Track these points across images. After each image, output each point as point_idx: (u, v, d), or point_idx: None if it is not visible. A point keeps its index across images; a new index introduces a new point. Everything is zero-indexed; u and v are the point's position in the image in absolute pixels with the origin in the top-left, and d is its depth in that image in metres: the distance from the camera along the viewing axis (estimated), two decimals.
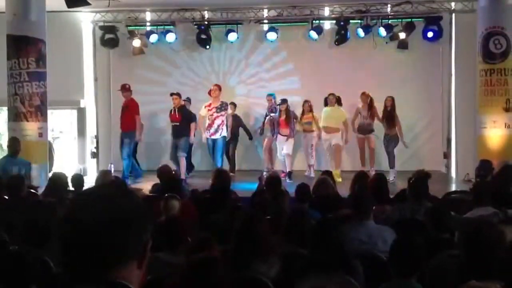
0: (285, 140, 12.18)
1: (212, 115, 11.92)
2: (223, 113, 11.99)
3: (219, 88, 12.14)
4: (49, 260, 4.27)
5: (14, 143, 9.46)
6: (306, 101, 12.48)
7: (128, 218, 1.61)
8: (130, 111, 12.13)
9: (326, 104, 12.40)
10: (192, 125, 12.03)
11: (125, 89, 12.27)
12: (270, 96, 12.58)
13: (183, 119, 11.94)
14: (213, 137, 11.96)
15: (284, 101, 12.20)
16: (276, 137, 12.31)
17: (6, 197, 6.76)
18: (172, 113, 12.11)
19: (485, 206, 5.58)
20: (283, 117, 12.18)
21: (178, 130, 11.99)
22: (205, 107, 12.04)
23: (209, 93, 12.13)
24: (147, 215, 1.69)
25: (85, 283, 1.57)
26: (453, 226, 4.99)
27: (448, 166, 13.29)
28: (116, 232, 1.57)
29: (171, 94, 12.21)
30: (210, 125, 11.95)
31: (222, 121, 11.99)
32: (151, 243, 1.67)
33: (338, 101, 12.38)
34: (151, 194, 7.77)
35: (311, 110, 12.40)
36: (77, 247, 1.58)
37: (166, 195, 5.99)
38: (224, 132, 12.04)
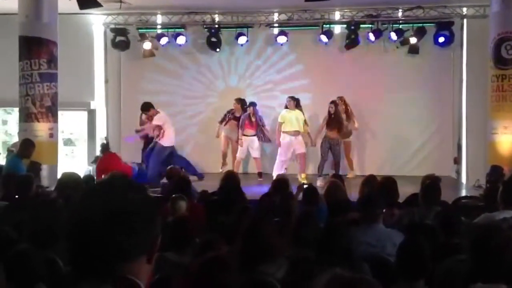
0: (252, 141, 12.50)
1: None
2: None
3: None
4: (57, 259, 4.27)
5: (28, 146, 9.43)
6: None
7: (138, 212, 1.60)
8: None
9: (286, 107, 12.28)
10: None
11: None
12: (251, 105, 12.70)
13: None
14: None
15: (251, 104, 12.53)
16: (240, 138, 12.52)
17: (16, 196, 6.78)
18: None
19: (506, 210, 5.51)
20: (251, 119, 12.43)
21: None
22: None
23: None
24: (156, 209, 1.69)
25: (93, 278, 1.57)
26: (463, 231, 4.96)
27: (458, 172, 13.22)
28: (126, 226, 1.57)
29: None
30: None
31: None
32: (160, 237, 1.66)
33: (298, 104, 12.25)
34: (160, 195, 7.78)
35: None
36: (86, 241, 1.57)
37: (173, 195, 6.00)
38: None
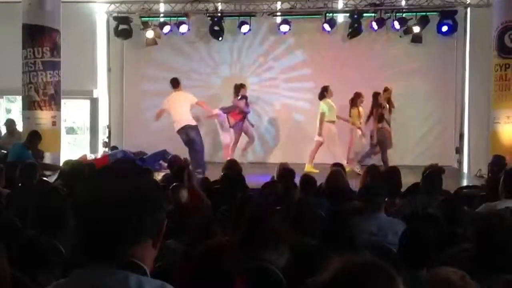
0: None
1: None
2: None
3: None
4: (61, 246, 4.29)
5: (34, 138, 9.49)
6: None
7: (144, 196, 1.62)
8: None
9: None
10: None
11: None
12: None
13: None
14: None
15: (245, 97, 12.30)
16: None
17: (20, 184, 6.81)
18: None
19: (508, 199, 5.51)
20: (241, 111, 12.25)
21: None
22: None
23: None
24: (162, 193, 1.70)
25: (100, 261, 1.58)
26: (465, 220, 4.97)
27: (460, 162, 13.22)
28: (133, 209, 1.58)
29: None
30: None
31: None
32: (166, 222, 1.68)
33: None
34: (161, 184, 7.79)
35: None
36: (93, 224, 1.59)
37: (174, 184, 6.01)
38: None
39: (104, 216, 1.57)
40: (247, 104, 12.29)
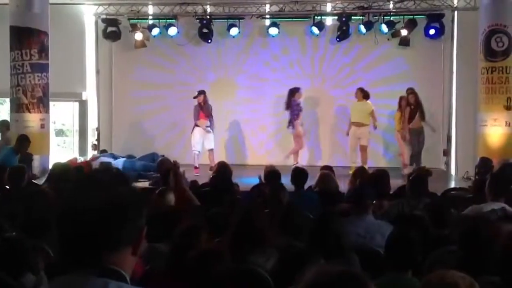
0: (205, 133, 12.16)
1: None
2: None
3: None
4: (48, 249, 4.29)
5: (23, 142, 9.47)
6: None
7: (123, 204, 1.63)
8: None
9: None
10: None
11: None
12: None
13: None
14: None
15: (200, 92, 12.15)
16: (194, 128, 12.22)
17: (7, 187, 6.80)
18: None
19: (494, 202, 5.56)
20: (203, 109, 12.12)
21: None
22: None
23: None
24: (142, 201, 1.71)
25: (80, 268, 1.60)
26: (452, 223, 5.01)
27: (447, 164, 13.29)
28: (111, 218, 1.60)
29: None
30: None
31: None
32: (146, 229, 1.69)
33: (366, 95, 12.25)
34: (149, 187, 7.81)
35: None
36: (73, 232, 1.60)
37: (160, 188, 6.02)
38: None
39: (83, 224, 1.59)
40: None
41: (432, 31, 12.89)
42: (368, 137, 12.20)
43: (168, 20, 13.58)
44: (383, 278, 3.77)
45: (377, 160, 12.77)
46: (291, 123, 12.33)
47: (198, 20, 13.54)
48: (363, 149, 12.14)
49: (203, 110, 12.13)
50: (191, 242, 3.77)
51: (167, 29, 13.45)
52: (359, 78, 13.11)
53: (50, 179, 7.45)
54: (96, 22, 14.03)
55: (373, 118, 12.17)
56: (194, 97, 12.17)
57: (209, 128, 12.21)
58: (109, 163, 11.28)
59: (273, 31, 13.32)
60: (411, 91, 11.99)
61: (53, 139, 13.01)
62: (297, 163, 11.90)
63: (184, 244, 3.75)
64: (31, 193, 6.00)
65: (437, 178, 10.81)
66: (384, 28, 12.92)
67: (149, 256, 3.95)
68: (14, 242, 3.73)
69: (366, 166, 11.40)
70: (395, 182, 7.94)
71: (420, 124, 11.93)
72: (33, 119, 10.71)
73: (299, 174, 7.24)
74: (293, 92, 12.30)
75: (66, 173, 7.24)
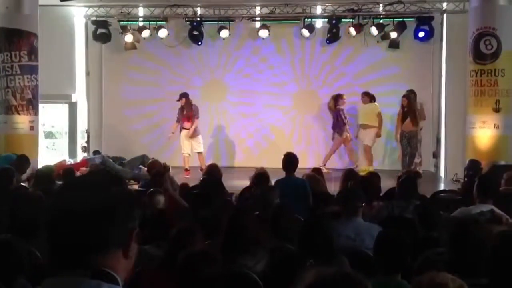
0: (191, 137, 12.09)
1: None
2: None
3: None
4: (36, 251, 4.27)
5: (25, 163, 8.96)
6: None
7: (114, 206, 1.62)
8: None
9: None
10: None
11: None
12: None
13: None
14: None
15: (182, 95, 12.14)
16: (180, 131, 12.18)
17: None
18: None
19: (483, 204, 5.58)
20: (185, 112, 12.09)
21: None
22: None
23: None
24: (134, 203, 1.70)
25: (69, 270, 1.59)
26: (441, 225, 5.03)
27: (437, 166, 13.34)
28: (101, 220, 1.59)
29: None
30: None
31: None
32: (137, 231, 1.68)
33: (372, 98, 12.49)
34: (139, 189, 7.79)
35: None
36: (62, 234, 1.59)
37: (151, 190, 6.01)
38: None
39: (72, 226, 1.57)
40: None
41: (421, 34, 12.94)
42: (373, 138, 12.36)
43: (159, 22, 13.56)
44: (373, 281, 3.77)
45: (379, 162, 12.92)
46: (337, 128, 12.46)
47: (188, 22, 13.53)
48: (366, 149, 12.35)
49: (185, 113, 12.10)
50: (186, 244, 3.77)
51: (157, 31, 13.42)
52: (348, 80, 13.15)
53: (35, 182, 7.43)
54: (86, 24, 13.97)
55: (378, 119, 12.29)
56: (177, 100, 12.18)
57: (191, 131, 12.08)
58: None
59: (263, 33, 13.31)
60: (405, 93, 12.10)
61: (43, 142, 12.94)
62: (324, 165, 12.11)
63: (180, 246, 3.75)
64: (18, 196, 5.98)
65: (427, 180, 10.85)
66: (374, 30, 12.94)
67: (138, 258, 3.93)
68: (8, 245, 3.71)
69: (371, 168, 11.58)
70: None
71: (413, 128, 11.97)
72: (22, 121, 10.66)
73: (290, 159, 7.33)
74: (337, 98, 12.47)
75: (46, 175, 7.22)
